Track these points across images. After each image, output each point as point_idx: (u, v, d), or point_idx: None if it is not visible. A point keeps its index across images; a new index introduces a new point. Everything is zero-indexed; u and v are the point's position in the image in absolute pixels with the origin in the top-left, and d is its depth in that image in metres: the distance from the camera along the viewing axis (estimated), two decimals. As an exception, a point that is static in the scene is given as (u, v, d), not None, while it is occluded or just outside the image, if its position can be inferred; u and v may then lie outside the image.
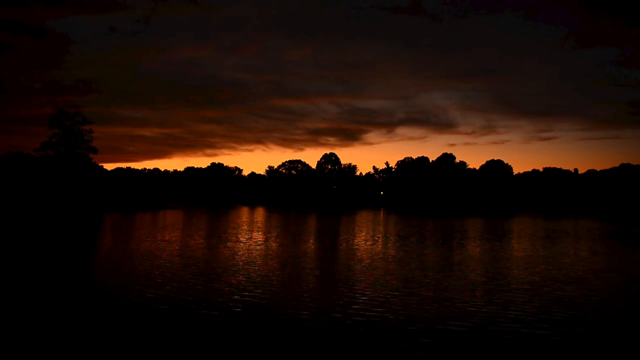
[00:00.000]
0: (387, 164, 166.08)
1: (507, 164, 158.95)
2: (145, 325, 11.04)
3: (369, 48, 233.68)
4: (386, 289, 15.55)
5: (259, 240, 30.84)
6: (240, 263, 20.81)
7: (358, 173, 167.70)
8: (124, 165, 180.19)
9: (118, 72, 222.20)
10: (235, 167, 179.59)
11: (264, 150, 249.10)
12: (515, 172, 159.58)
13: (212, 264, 20.38)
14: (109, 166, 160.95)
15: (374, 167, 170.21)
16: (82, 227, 40.39)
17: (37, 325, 10.97)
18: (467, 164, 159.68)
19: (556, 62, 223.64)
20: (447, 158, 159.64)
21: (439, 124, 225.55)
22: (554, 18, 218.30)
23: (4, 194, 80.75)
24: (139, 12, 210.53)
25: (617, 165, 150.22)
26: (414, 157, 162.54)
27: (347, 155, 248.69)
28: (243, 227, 42.41)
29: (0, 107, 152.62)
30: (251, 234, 35.90)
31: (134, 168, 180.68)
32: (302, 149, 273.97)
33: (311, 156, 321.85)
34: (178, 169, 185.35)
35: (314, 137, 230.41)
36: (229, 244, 28.54)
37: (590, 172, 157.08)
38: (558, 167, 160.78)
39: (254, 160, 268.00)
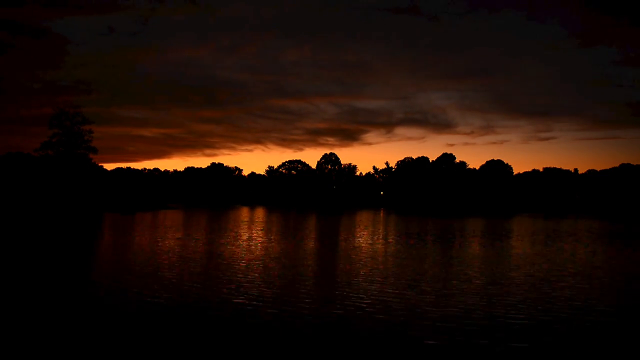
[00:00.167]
0: (387, 164, 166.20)
1: (507, 164, 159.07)
2: (145, 325, 11.04)
3: (367, 48, 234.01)
4: (386, 289, 15.55)
5: (259, 240, 30.84)
6: (241, 263, 20.81)
7: (358, 173, 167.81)
8: (123, 165, 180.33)
9: (117, 72, 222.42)
10: (235, 167, 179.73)
11: (263, 150, 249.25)
12: (515, 172, 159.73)
13: (212, 264, 20.38)
14: (109, 166, 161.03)
15: (374, 167, 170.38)
16: (82, 227, 40.38)
17: (37, 325, 10.97)
18: (467, 164, 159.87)
19: (555, 62, 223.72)
20: (447, 158, 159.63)
21: (438, 124, 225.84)
22: (553, 17, 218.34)
23: (4, 194, 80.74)
24: (137, 12, 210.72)
25: (616, 165, 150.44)
26: (414, 157, 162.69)
27: (346, 155, 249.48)
28: (243, 227, 42.41)
29: (0, 107, 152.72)
30: (251, 233, 35.91)
31: (134, 168, 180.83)
32: (301, 149, 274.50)
33: (311, 156, 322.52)
34: (178, 169, 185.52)
35: (313, 137, 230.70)
36: (229, 243, 28.54)
37: (590, 172, 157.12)
38: (557, 167, 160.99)
39: (254, 160, 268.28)
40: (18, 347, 9.47)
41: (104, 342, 9.80)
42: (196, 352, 9.33)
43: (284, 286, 15.86)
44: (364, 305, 13.23)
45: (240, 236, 33.56)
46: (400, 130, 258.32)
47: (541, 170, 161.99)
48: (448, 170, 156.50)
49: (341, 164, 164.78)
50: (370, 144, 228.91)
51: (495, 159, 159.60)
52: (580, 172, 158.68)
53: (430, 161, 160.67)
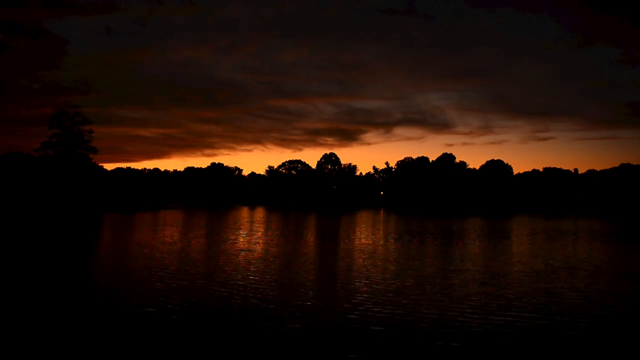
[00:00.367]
0: (387, 164, 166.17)
1: (507, 164, 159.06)
2: (145, 325, 11.03)
3: (365, 48, 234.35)
4: (387, 288, 15.55)
5: (259, 240, 30.83)
6: (241, 263, 20.81)
7: (358, 173, 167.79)
8: (123, 165, 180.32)
9: (116, 72, 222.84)
10: (235, 167, 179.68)
11: (262, 150, 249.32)
12: (514, 172, 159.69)
13: (212, 264, 20.37)
14: (108, 166, 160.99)
15: (374, 167, 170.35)
16: (82, 227, 40.37)
17: (37, 325, 10.96)
18: (467, 164, 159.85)
19: (554, 61, 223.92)
20: (447, 158, 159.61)
21: (437, 124, 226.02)
22: (552, 17, 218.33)
23: (4, 194, 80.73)
24: (135, 13, 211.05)
25: (615, 165, 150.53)
26: (414, 157, 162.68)
27: (345, 155, 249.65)
28: (243, 227, 42.40)
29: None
30: (251, 233, 35.89)
31: (133, 168, 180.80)
32: (300, 149, 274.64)
33: (310, 156, 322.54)
34: (178, 169, 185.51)
35: (312, 137, 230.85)
36: (229, 243, 28.54)
37: (590, 172, 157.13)
38: (556, 167, 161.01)
39: (253, 160, 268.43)
40: (18, 347, 9.46)
41: (104, 342, 9.78)
42: (196, 352, 9.32)
43: (284, 286, 15.85)
44: (364, 305, 13.22)
45: (240, 236, 33.55)
46: (399, 130, 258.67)
47: (541, 170, 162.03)
48: (448, 170, 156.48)
49: (341, 164, 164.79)
50: (369, 144, 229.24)
51: (495, 159, 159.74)
52: (580, 172, 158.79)
53: (430, 161, 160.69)
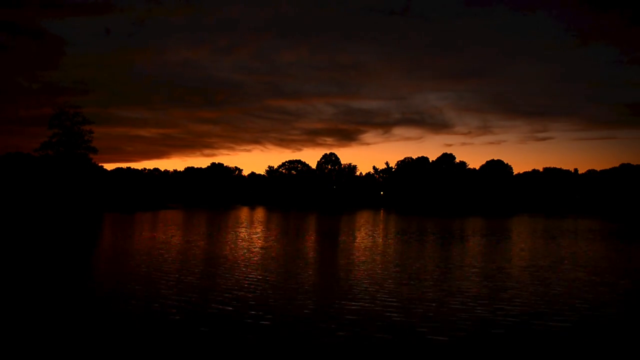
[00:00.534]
0: (387, 164, 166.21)
1: (507, 164, 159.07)
2: (145, 325, 11.02)
3: (363, 49, 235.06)
4: (387, 287, 15.54)
5: (259, 240, 30.83)
6: (241, 262, 20.81)
7: (358, 173, 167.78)
8: (122, 165, 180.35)
9: (114, 73, 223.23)
10: (235, 167, 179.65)
11: (262, 150, 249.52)
12: (513, 172, 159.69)
13: (213, 264, 20.37)
14: (108, 166, 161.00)
15: (374, 167, 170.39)
16: (82, 227, 40.36)
17: (37, 325, 10.95)
18: (467, 164, 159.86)
19: (552, 61, 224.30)
20: (447, 158, 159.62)
21: (435, 124, 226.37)
22: (551, 17, 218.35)
23: (4, 194, 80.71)
24: (133, 14, 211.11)
25: (614, 165, 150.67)
26: (414, 157, 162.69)
27: (344, 155, 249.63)
28: (243, 227, 42.40)
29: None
30: (251, 233, 35.89)
31: (133, 168, 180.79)
32: (300, 149, 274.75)
33: (309, 156, 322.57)
34: (177, 169, 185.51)
35: (311, 137, 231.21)
36: (229, 243, 28.54)
37: (590, 172, 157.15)
38: (555, 167, 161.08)
39: (253, 160, 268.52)
40: (18, 347, 9.45)
41: (104, 342, 9.78)
42: (196, 352, 9.32)
43: (284, 286, 15.84)
44: (365, 304, 13.21)
45: (241, 236, 33.55)
46: (398, 131, 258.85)
47: (541, 170, 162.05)
48: (448, 170, 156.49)
49: (341, 164, 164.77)
50: (368, 144, 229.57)
51: (495, 159, 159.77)
52: (580, 172, 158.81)
53: (430, 161, 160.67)
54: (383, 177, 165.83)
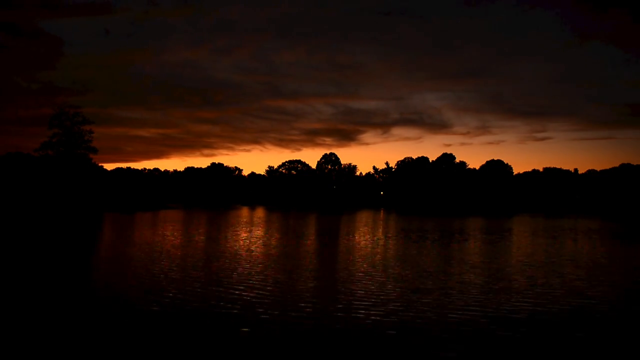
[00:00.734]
0: (387, 164, 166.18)
1: (507, 164, 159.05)
2: (145, 326, 11.02)
3: (361, 49, 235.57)
4: (387, 286, 15.54)
5: (260, 240, 30.83)
6: (241, 262, 20.81)
7: (358, 173, 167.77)
8: (122, 165, 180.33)
9: (113, 73, 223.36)
10: (235, 167, 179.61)
11: (261, 150, 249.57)
12: (512, 172, 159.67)
13: (213, 264, 20.37)
14: (108, 166, 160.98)
15: (374, 167, 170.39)
16: (82, 227, 40.36)
17: (38, 325, 10.95)
18: (467, 164, 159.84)
19: (551, 61, 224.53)
20: (447, 158, 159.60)
21: (434, 124, 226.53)
22: (549, 16, 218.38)
23: (4, 194, 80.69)
24: (132, 14, 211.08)
25: (613, 165, 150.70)
26: (414, 157, 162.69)
27: (344, 155, 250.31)
28: (243, 227, 42.40)
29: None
30: (251, 233, 35.89)
31: (133, 168, 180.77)
32: (299, 149, 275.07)
33: (309, 156, 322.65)
34: (177, 169, 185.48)
35: (310, 137, 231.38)
36: (229, 243, 28.54)
37: (590, 172, 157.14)
38: (554, 166, 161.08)
39: (252, 160, 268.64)
40: (18, 347, 9.45)
41: (104, 342, 9.78)
42: (196, 352, 9.32)
43: (284, 285, 15.84)
44: (365, 304, 13.21)
45: (241, 235, 33.55)
46: (397, 131, 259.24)
47: (541, 170, 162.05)
48: (448, 170, 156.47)
49: (341, 164, 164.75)
50: (367, 144, 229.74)
51: (494, 159, 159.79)
52: (580, 172, 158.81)
53: (430, 161, 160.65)
54: (383, 177, 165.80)
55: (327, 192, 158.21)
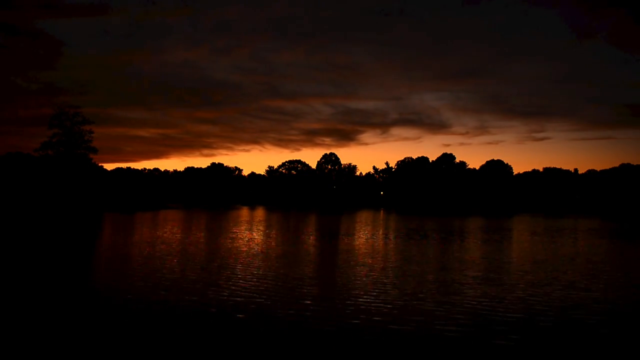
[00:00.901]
0: (387, 163, 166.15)
1: (507, 164, 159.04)
2: (145, 326, 11.03)
3: (359, 49, 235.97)
4: (387, 286, 15.55)
5: (260, 240, 30.83)
6: (241, 262, 20.82)
7: (358, 173, 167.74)
8: (122, 165, 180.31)
9: (112, 73, 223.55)
10: (235, 167, 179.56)
11: (260, 150, 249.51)
12: (512, 172, 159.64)
13: (213, 264, 20.38)
14: (107, 166, 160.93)
15: (374, 167, 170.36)
16: (83, 227, 40.36)
17: (38, 325, 10.96)
18: (467, 164, 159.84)
19: (550, 61, 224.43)
20: (447, 158, 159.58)
21: (433, 124, 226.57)
22: (548, 16, 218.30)
23: (4, 194, 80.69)
24: (131, 15, 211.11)
25: (612, 165, 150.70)
26: (414, 157, 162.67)
27: (343, 155, 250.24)
28: (243, 227, 42.40)
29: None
30: (251, 233, 35.90)
31: (133, 168, 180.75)
32: (298, 149, 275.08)
33: (308, 156, 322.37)
34: (177, 169, 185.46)
35: (309, 137, 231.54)
36: (229, 243, 28.54)
37: (590, 172, 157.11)
38: (553, 167, 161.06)
39: (252, 160, 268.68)
40: (18, 347, 9.46)
41: (104, 342, 9.79)
42: (196, 352, 9.32)
43: (284, 285, 15.85)
44: (366, 303, 13.22)
45: (241, 235, 33.56)
46: (396, 131, 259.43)
47: (541, 170, 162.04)
48: (448, 170, 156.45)
49: (341, 164, 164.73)
50: (366, 144, 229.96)
51: (494, 159, 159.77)
52: (580, 172, 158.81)
53: (430, 161, 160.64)
54: (383, 177, 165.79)
55: (327, 192, 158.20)
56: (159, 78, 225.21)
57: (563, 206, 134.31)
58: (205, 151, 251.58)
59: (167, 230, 36.78)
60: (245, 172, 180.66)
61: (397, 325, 10.88)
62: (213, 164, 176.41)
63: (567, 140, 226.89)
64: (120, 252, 23.28)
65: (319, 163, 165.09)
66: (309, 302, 13.12)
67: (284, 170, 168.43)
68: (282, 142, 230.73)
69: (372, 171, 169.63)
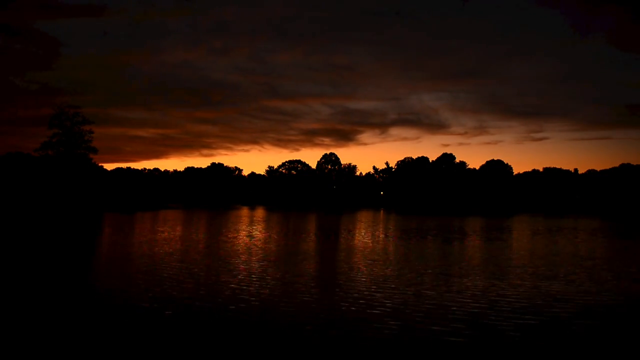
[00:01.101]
0: (387, 163, 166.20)
1: (507, 163, 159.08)
2: (145, 326, 11.03)
3: (358, 50, 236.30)
4: (387, 285, 15.54)
5: (260, 240, 30.84)
6: (241, 262, 20.82)
7: (358, 173, 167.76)
8: (121, 165, 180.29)
9: (112, 73, 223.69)
10: (235, 167, 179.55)
11: (260, 150, 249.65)
12: (512, 172, 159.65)
13: (213, 264, 20.38)
14: (108, 166, 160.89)
15: (373, 167, 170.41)
16: (83, 227, 40.37)
17: (38, 325, 10.96)
18: (467, 164, 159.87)
19: (549, 61, 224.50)
20: (447, 158, 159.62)
21: (432, 124, 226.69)
22: (547, 16, 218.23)
23: (4, 194, 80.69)
24: (129, 15, 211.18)
25: (612, 165, 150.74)
26: (414, 157, 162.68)
27: (342, 155, 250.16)
28: (243, 227, 42.41)
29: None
30: (252, 233, 35.90)
31: (133, 168, 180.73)
32: (298, 149, 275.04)
33: (308, 156, 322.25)
34: (177, 169, 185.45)
35: (308, 137, 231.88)
36: (229, 243, 28.55)
37: (590, 172, 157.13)
38: (553, 166, 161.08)
39: (251, 160, 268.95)
40: (18, 347, 9.46)
41: (104, 342, 9.79)
42: (197, 351, 9.33)
43: (284, 285, 15.85)
44: (366, 302, 13.22)
45: (241, 235, 33.56)
46: (395, 131, 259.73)
47: (541, 170, 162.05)
48: (448, 170, 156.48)
49: (341, 164, 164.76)
50: (365, 144, 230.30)
51: (494, 159, 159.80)
52: (580, 172, 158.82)
53: (430, 161, 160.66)
54: (383, 177, 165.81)
55: (327, 192, 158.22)
56: (158, 78, 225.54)
57: (563, 206, 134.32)
58: (205, 151, 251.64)
59: (167, 230, 36.78)
60: (245, 172, 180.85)
61: (397, 323, 10.88)
62: (213, 164, 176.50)
63: (566, 140, 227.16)
64: (120, 252, 23.28)
65: (319, 163, 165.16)
66: (309, 301, 13.12)
67: (284, 170, 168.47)
68: (281, 142, 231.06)
69: (372, 171, 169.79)
